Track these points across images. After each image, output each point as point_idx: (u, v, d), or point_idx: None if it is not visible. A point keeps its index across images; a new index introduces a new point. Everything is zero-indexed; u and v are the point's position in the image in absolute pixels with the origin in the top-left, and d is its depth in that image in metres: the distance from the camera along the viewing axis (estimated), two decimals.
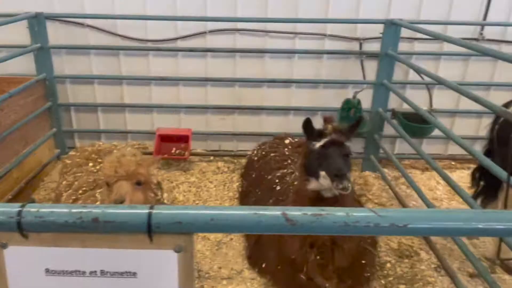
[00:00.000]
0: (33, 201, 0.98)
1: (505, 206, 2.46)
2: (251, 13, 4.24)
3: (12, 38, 4.27)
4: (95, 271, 0.97)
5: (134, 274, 0.97)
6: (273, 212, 0.91)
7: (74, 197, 3.02)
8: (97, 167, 3.21)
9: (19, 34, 4.17)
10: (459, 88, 2.83)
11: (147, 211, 0.91)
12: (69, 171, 3.26)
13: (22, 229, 0.91)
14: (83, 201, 2.92)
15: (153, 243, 0.94)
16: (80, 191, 3.03)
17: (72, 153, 3.48)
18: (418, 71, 3.58)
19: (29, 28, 3.94)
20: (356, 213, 0.91)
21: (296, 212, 0.91)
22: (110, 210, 0.91)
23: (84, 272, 0.97)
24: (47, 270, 0.97)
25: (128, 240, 0.94)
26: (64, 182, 3.20)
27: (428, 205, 3.33)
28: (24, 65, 4.26)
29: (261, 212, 0.91)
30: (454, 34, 4.10)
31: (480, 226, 0.87)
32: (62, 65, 4.41)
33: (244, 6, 4.22)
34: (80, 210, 0.90)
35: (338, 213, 0.91)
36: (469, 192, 3.40)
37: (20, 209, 0.91)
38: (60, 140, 4.48)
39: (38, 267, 0.96)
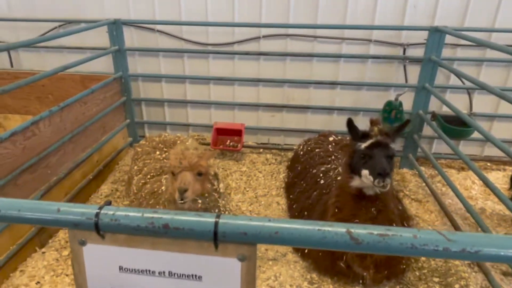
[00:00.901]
0: (109, 203, 0.92)
1: None
2: (302, 20, 4.07)
3: (94, 41, 4.37)
4: (164, 272, 0.90)
5: (199, 278, 0.89)
6: (337, 228, 0.79)
7: (143, 181, 3.05)
8: (163, 155, 3.22)
9: (100, 37, 4.25)
10: (503, 94, 2.54)
11: (213, 220, 0.83)
12: (139, 158, 3.29)
13: (99, 229, 0.86)
14: (151, 185, 2.94)
15: (218, 251, 0.85)
16: (149, 176, 3.05)
17: (142, 142, 3.52)
18: (463, 77, 3.27)
19: (108, 32, 3.98)
20: (424, 236, 0.77)
21: (361, 230, 0.78)
22: (179, 217, 0.83)
23: (153, 272, 0.90)
24: (120, 268, 0.91)
25: (195, 246, 0.86)
26: (135, 167, 3.24)
27: (464, 203, 3.07)
28: (104, 65, 4.35)
29: (325, 228, 0.79)
30: (498, 41, 3.74)
31: None
32: (136, 65, 4.46)
33: (296, 13, 4.06)
34: (152, 215, 0.83)
35: (406, 234, 0.78)
36: (506, 193, 3.12)
37: (98, 211, 0.85)
38: (132, 129, 4.54)
39: (113, 264, 0.91)
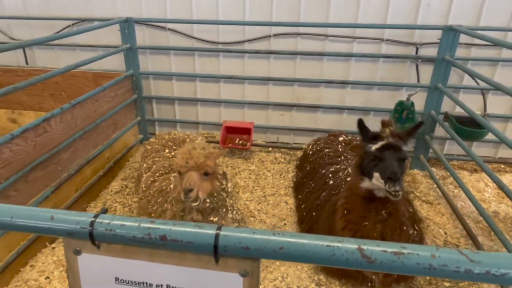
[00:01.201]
0: (105, 212, 0.87)
1: None
2: (313, 18, 3.97)
3: (106, 39, 4.34)
4: (161, 285, 0.83)
5: None
6: (348, 245, 0.71)
7: (152, 179, 3.00)
8: (172, 153, 3.17)
9: (112, 36, 4.22)
10: None
11: (214, 232, 0.75)
12: (149, 156, 3.24)
13: (94, 239, 0.80)
14: (159, 183, 2.89)
15: (219, 265, 0.78)
16: (157, 174, 3.00)
17: (152, 139, 3.47)
18: (478, 77, 3.14)
19: (120, 31, 3.94)
20: (444, 255, 0.69)
21: (374, 248, 0.70)
22: (178, 228, 0.76)
23: (151, 285, 0.84)
24: (116, 279, 0.85)
25: (194, 259, 0.79)
26: (144, 165, 3.20)
27: (477, 206, 2.95)
28: (115, 63, 4.32)
29: (334, 244, 0.72)
30: None
31: None
32: (147, 63, 4.42)
33: (306, 11, 3.96)
34: (148, 225, 0.77)
35: (423, 253, 0.69)
36: None
37: (93, 219, 0.79)
38: (143, 127, 4.50)
39: (109, 275, 0.85)
